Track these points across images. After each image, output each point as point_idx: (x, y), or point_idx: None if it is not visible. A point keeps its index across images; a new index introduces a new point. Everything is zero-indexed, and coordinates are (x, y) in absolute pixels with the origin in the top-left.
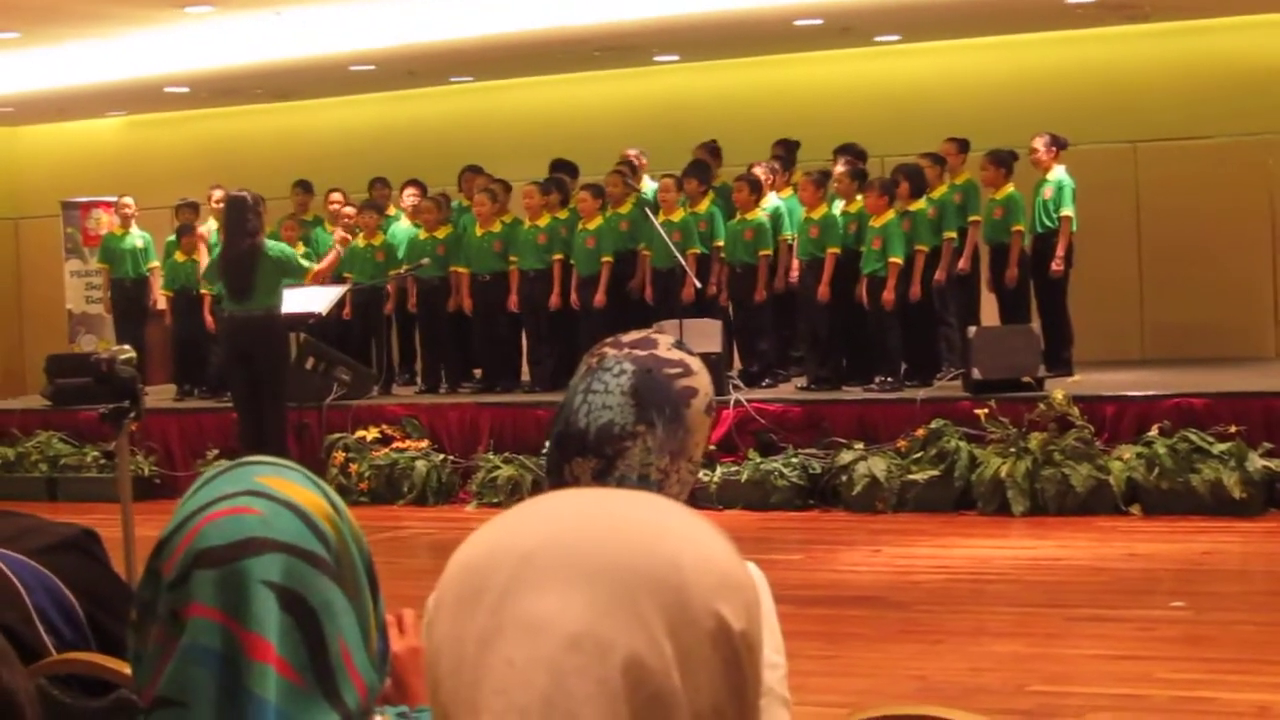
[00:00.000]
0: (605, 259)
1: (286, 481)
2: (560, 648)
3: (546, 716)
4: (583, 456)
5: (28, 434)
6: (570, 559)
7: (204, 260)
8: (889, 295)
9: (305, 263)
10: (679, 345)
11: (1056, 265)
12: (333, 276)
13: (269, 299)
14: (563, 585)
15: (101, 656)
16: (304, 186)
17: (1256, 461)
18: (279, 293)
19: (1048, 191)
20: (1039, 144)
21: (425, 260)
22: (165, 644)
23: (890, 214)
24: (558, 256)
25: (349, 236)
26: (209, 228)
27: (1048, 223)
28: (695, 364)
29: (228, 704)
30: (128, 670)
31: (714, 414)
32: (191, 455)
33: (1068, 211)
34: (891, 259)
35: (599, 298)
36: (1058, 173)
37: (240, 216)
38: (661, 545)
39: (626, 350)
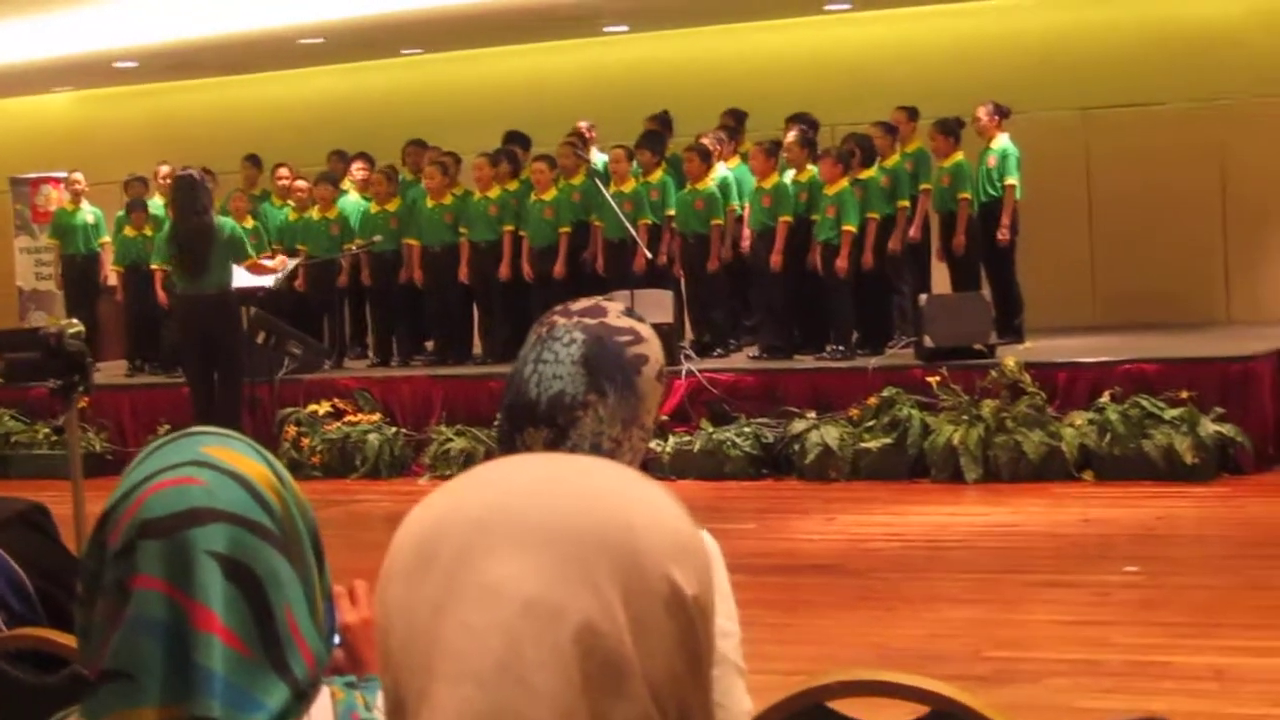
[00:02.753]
0: (562, 230)
1: (231, 452)
2: (514, 613)
3: (500, 682)
4: (534, 427)
5: None
6: (523, 524)
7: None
8: (842, 264)
9: (250, 251)
10: (629, 313)
11: (1002, 234)
12: (286, 250)
13: (221, 276)
14: (516, 551)
15: (53, 631)
16: (253, 161)
17: (1208, 426)
18: (229, 270)
19: (992, 160)
20: (982, 113)
21: (379, 237)
22: (111, 616)
23: (844, 183)
24: (509, 228)
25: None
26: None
27: (992, 191)
28: (645, 331)
29: (174, 675)
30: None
31: (665, 381)
32: (144, 431)
33: (1012, 180)
34: (845, 227)
35: (558, 268)
36: (1001, 141)
37: (190, 195)
38: (614, 510)
39: (576, 319)
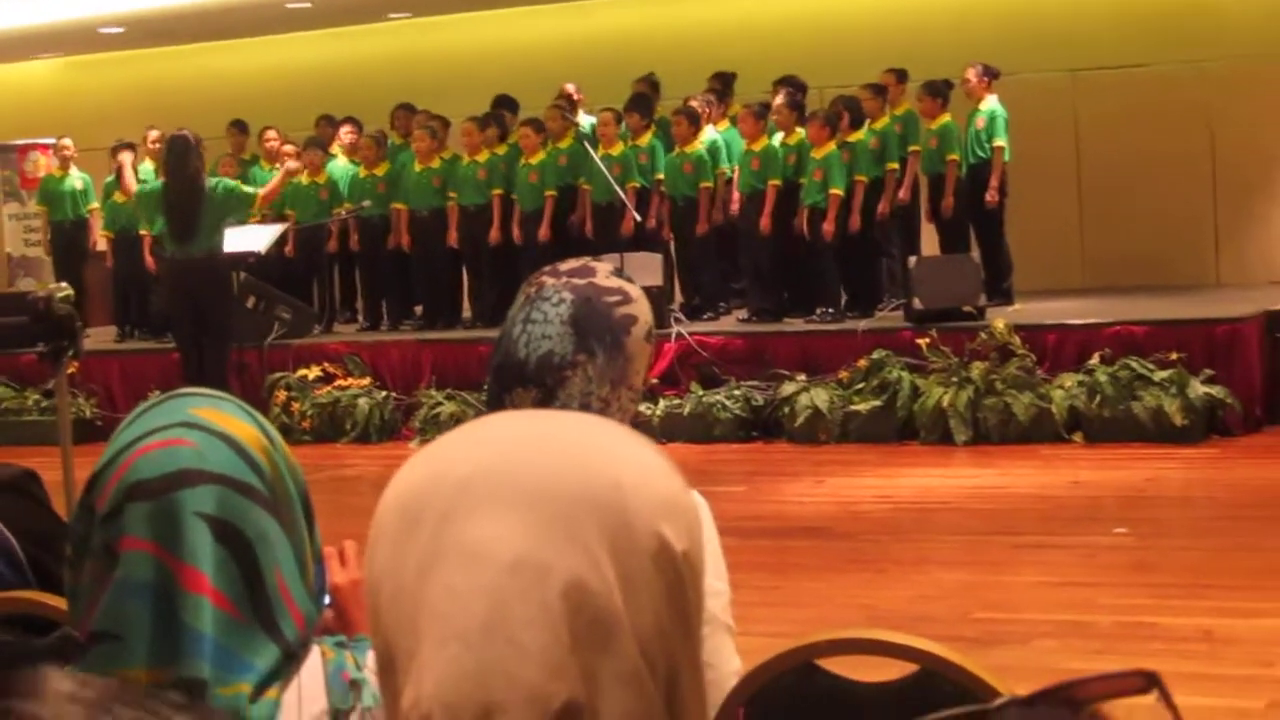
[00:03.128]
0: (549, 193)
1: (221, 413)
2: (500, 572)
3: (487, 641)
4: (523, 387)
5: None
6: (509, 482)
7: (127, 178)
8: (829, 227)
9: (250, 189)
10: (617, 273)
11: (991, 195)
12: (275, 214)
13: (211, 240)
14: (502, 509)
15: (43, 594)
16: (239, 126)
17: (1198, 388)
18: (222, 233)
19: (980, 122)
20: (971, 74)
21: (367, 202)
22: (100, 578)
23: (831, 146)
24: (497, 192)
25: (298, 166)
26: (126, 159)
27: (981, 153)
28: (634, 291)
29: (163, 637)
30: None
31: (654, 341)
32: (133, 397)
33: (1000, 141)
34: (832, 190)
35: (544, 231)
36: (990, 103)
37: (182, 157)
38: (602, 466)
39: (565, 279)
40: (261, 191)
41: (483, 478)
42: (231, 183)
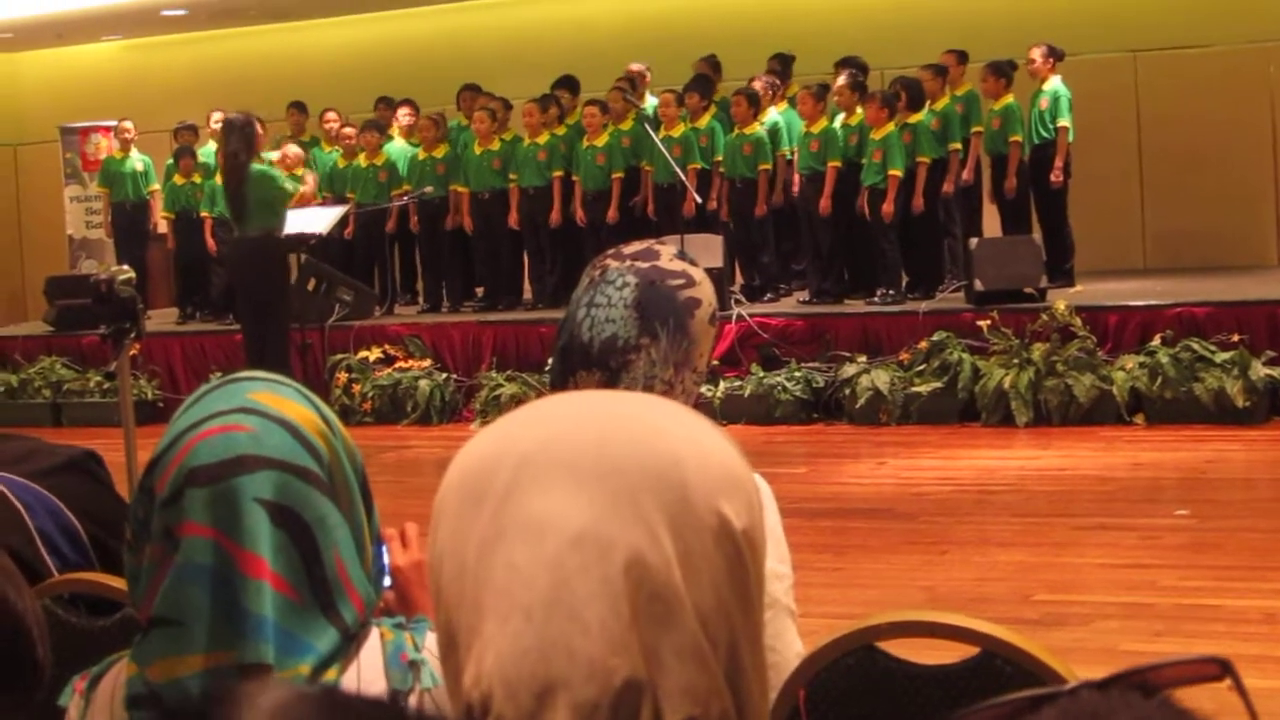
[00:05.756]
0: (616, 175)
1: (279, 397)
2: (562, 547)
3: (549, 616)
4: (587, 370)
5: (31, 360)
6: (570, 459)
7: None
8: (888, 208)
9: (289, 185)
10: (681, 256)
11: (1055, 176)
12: (336, 197)
13: (264, 220)
14: (563, 485)
15: (105, 575)
16: (299, 107)
17: (1259, 370)
18: (276, 214)
19: (1044, 102)
20: (1036, 54)
21: (430, 188)
22: (160, 562)
23: (890, 126)
24: (558, 173)
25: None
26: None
27: (1045, 134)
28: (698, 274)
29: (224, 621)
30: None
31: (718, 324)
32: (195, 378)
33: (1064, 122)
34: (891, 171)
35: (611, 213)
36: (1054, 83)
37: (226, 139)
38: (662, 443)
39: (629, 262)
40: (298, 192)
41: (544, 454)
42: (272, 171)
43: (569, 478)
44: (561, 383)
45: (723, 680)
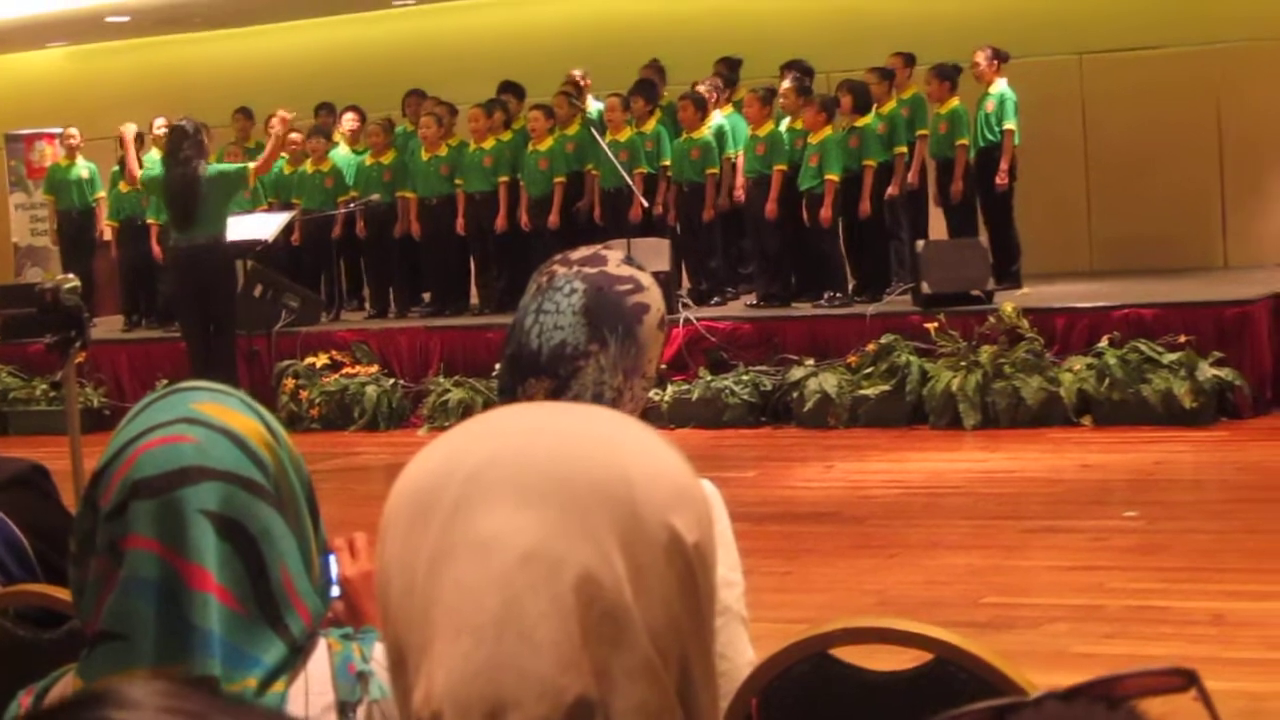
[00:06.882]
0: (558, 180)
1: (223, 408)
2: (511, 566)
3: (500, 635)
4: (536, 377)
5: None
6: (518, 475)
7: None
8: (826, 213)
9: (237, 165)
10: (629, 261)
11: (1001, 179)
12: (281, 203)
13: (212, 227)
14: (511, 502)
15: (51, 587)
16: (245, 113)
17: (1207, 371)
18: (223, 220)
19: (990, 105)
20: (980, 57)
21: (376, 196)
22: (105, 576)
23: (828, 130)
24: (504, 179)
25: (288, 116)
26: (129, 131)
27: (991, 137)
28: (646, 279)
29: (169, 636)
30: None
31: (666, 329)
32: (141, 386)
33: (1010, 125)
34: (828, 176)
35: (553, 218)
36: (999, 86)
37: (177, 146)
38: (611, 459)
39: (576, 268)
40: (254, 164)
41: (492, 470)
42: (225, 165)
43: (516, 494)
44: (510, 390)
45: (674, 696)
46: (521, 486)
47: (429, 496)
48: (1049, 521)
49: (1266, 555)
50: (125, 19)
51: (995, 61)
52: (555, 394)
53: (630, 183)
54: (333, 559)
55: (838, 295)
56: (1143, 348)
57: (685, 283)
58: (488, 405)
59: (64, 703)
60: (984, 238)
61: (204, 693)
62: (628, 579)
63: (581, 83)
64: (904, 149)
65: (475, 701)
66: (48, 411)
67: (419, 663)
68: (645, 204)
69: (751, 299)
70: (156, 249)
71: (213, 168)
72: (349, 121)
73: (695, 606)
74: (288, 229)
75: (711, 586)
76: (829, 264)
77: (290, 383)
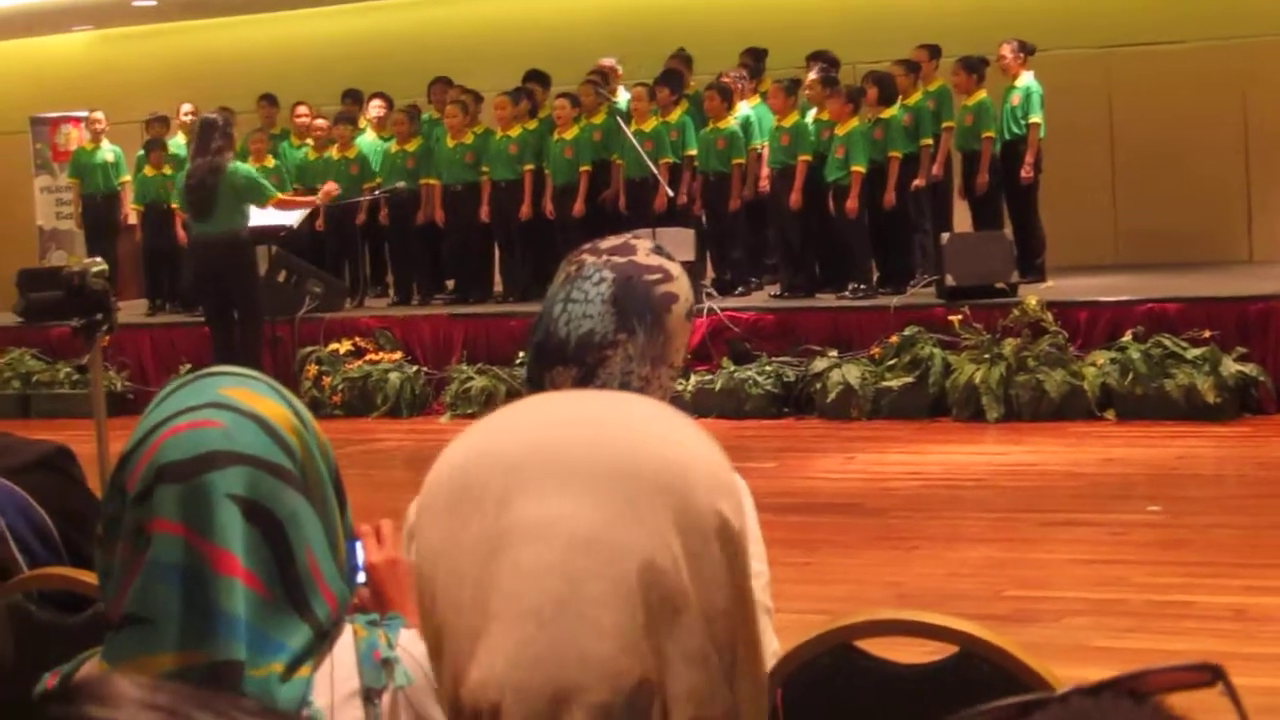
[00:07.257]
0: (584, 168)
1: (250, 393)
2: (569, 551)
3: (561, 619)
4: (563, 366)
5: (0, 351)
6: (563, 463)
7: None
8: (852, 204)
9: (269, 187)
10: (658, 250)
11: (1026, 172)
12: (307, 190)
13: (231, 220)
14: (561, 489)
15: (76, 570)
16: (269, 100)
17: (1230, 366)
18: (242, 213)
19: (1016, 98)
20: (1007, 50)
21: (401, 184)
22: (131, 560)
23: (854, 122)
24: (529, 167)
25: (335, 189)
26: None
27: (1016, 130)
28: (675, 269)
29: (193, 620)
30: None
31: (694, 319)
32: (165, 370)
33: (1036, 118)
34: (854, 168)
35: (578, 207)
36: (1025, 79)
37: (205, 137)
38: (656, 446)
39: (605, 257)
40: (280, 196)
41: (536, 459)
42: (256, 177)
43: (565, 481)
44: (538, 379)
45: (724, 682)
46: (567, 473)
47: (470, 485)
48: (1070, 515)
49: None
50: (152, 3)
51: (1021, 54)
52: (582, 382)
53: (655, 172)
54: (358, 545)
55: (862, 287)
56: (1166, 342)
57: (710, 273)
58: (510, 393)
59: (44, 696)
60: (1008, 230)
61: (183, 687)
62: (685, 563)
63: (612, 72)
64: (929, 141)
65: (537, 687)
66: (70, 395)
67: (471, 648)
68: (670, 193)
69: (775, 289)
70: (181, 234)
71: (242, 168)
72: (375, 108)
73: (741, 591)
74: (312, 215)
75: (748, 572)
76: (853, 255)
77: (313, 369)
